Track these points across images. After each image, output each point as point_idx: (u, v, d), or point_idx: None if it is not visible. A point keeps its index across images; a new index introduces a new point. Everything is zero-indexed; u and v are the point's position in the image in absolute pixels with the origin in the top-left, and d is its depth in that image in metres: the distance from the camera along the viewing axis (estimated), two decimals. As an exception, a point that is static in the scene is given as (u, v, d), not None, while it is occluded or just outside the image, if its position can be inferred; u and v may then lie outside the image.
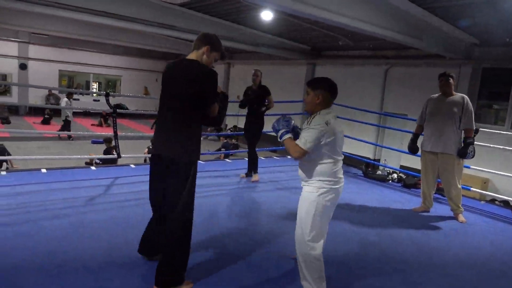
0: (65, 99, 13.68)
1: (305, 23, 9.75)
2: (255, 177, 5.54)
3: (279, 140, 2.52)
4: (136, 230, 3.00)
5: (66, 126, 13.13)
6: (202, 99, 2.46)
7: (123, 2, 8.55)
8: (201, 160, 6.76)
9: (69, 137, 12.78)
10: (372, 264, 3.18)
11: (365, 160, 7.44)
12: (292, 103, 11.21)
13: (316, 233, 2.44)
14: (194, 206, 2.57)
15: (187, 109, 2.45)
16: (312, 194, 2.46)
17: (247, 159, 5.96)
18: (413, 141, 4.73)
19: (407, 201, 5.14)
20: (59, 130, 12.73)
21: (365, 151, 10.88)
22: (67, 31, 12.74)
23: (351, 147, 8.12)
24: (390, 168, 6.64)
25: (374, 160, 10.97)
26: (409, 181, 5.79)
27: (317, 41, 12.05)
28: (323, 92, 2.50)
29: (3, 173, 4.86)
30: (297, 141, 2.41)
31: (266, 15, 9.00)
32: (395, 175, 6.17)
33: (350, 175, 6.47)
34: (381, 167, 7.07)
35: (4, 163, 7.01)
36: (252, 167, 5.61)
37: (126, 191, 4.58)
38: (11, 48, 16.86)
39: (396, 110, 10.58)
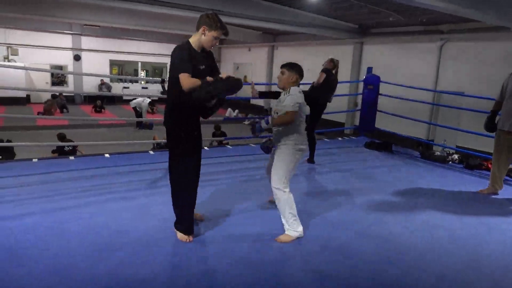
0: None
1: (353, 0, 9.38)
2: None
3: (268, 126, 3.13)
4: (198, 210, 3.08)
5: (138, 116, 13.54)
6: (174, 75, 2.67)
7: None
8: (251, 144, 6.83)
9: (137, 125, 13.15)
10: (441, 248, 3.06)
11: (421, 140, 7.12)
12: (339, 83, 10.94)
13: (287, 179, 3.07)
14: (192, 169, 2.88)
15: (169, 86, 2.82)
16: (288, 148, 3.07)
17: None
18: (491, 119, 4.41)
19: (472, 182, 4.88)
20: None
21: (418, 132, 10.41)
22: (116, 21, 13.16)
23: (403, 128, 7.80)
24: (450, 148, 6.29)
25: (428, 140, 10.48)
26: (472, 161, 5.47)
27: (365, 19, 11.57)
28: (297, 75, 3.16)
29: (71, 158, 5.18)
30: (285, 109, 3.01)
31: (313, -6, 8.76)
32: (455, 156, 5.86)
33: (407, 157, 6.24)
34: (439, 148, 6.70)
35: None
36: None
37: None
38: (66, 40, 17.78)
39: (452, 88, 9.98)
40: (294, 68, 3.17)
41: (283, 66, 3.21)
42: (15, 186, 3.95)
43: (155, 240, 2.90)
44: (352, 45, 13.27)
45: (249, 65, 19.79)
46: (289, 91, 3.09)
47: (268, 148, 3.37)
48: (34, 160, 4.91)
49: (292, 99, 3.03)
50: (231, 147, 6.49)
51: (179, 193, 2.91)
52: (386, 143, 6.55)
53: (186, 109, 2.80)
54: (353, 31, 12.59)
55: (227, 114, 15.91)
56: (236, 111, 16.06)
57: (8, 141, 7.35)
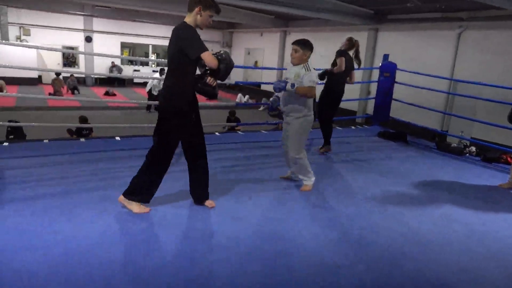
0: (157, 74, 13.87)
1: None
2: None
3: (290, 89, 3.45)
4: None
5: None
6: (184, 54, 2.68)
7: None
8: (264, 130, 6.74)
9: (147, 108, 13.04)
10: (460, 243, 2.97)
11: (437, 131, 6.95)
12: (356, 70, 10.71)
13: (303, 147, 3.68)
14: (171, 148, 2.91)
15: (172, 66, 2.82)
16: (299, 121, 3.57)
17: None
18: None
19: (491, 176, 4.74)
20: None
21: (432, 122, 10.20)
22: (128, 3, 13.00)
23: (415, 117, 7.61)
24: (467, 139, 6.13)
25: (443, 131, 10.28)
26: (490, 154, 5.32)
27: (381, 4, 11.24)
28: (310, 51, 3.57)
29: (82, 140, 5.16)
30: (307, 84, 3.45)
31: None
32: (473, 148, 5.71)
33: (422, 148, 6.10)
34: (455, 139, 6.53)
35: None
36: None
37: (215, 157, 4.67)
38: (77, 22, 17.70)
39: (469, 77, 9.71)
40: (307, 45, 3.53)
41: (296, 43, 3.54)
42: (26, 167, 3.93)
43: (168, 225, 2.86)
44: (367, 32, 12.97)
45: (260, 50, 19.53)
46: (308, 68, 3.49)
47: (275, 109, 3.84)
48: (45, 141, 4.89)
49: (311, 76, 3.46)
50: (242, 133, 6.40)
51: (153, 165, 2.92)
52: (401, 133, 6.40)
53: (189, 90, 2.85)
54: (368, 17, 12.27)
55: (237, 100, 15.79)
56: (247, 96, 15.91)
57: (15, 122, 7.36)
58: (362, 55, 12.97)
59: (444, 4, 9.79)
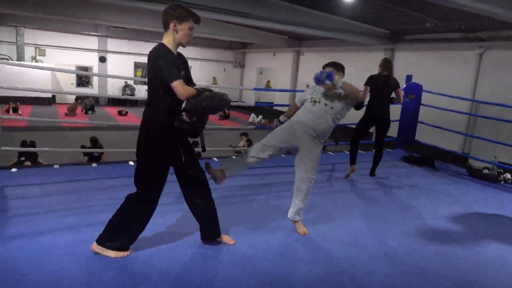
0: None
1: (387, 4, 8.92)
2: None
3: (334, 84, 3.03)
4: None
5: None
6: (160, 79, 2.35)
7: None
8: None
9: None
10: None
11: (467, 156, 6.57)
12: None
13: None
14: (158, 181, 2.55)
15: (149, 92, 2.49)
16: (320, 148, 3.21)
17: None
18: None
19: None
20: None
21: (452, 144, 9.80)
22: (142, 23, 13.07)
23: (436, 140, 7.26)
24: (502, 166, 5.70)
25: (465, 153, 9.85)
26: (529, 183, 4.93)
27: (398, 24, 11.06)
28: (342, 73, 3.39)
29: (94, 165, 4.92)
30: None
31: (348, -3, 8.36)
32: (508, 175, 5.33)
33: (451, 174, 5.72)
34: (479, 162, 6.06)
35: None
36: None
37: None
38: (92, 42, 17.90)
39: (492, 98, 9.34)
40: (339, 67, 3.37)
41: (329, 66, 3.34)
42: (34, 196, 3.68)
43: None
44: (383, 52, 12.75)
45: (273, 70, 19.46)
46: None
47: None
48: (55, 166, 4.66)
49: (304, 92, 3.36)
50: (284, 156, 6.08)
51: (134, 204, 2.56)
52: (427, 158, 6.05)
53: (168, 122, 2.42)
54: (384, 37, 12.09)
55: (250, 120, 15.60)
56: (260, 116, 15.70)
57: (32, 142, 7.22)
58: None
59: (463, 24, 9.56)
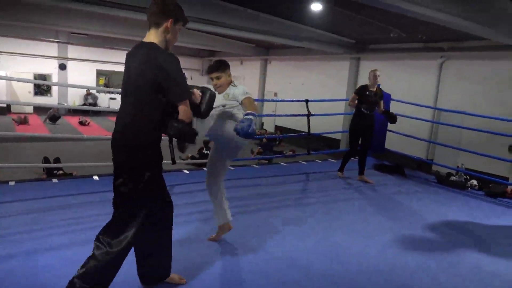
0: None
1: (352, 13, 9.10)
2: (366, 178, 5.47)
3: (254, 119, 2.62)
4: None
5: None
6: (161, 89, 2.00)
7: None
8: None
9: None
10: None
11: (438, 164, 6.75)
12: (334, 101, 10.59)
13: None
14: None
15: (135, 99, 2.07)
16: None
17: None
18: None
19: (502, 214, 4.48)
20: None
21: (416, 151, 10.11)
22: (105, 29, 12.60)
23: (401, 145, 7.44)
24: (467, 173, 5.88)
25: (428, 160, 10.18)
26: (495, 189, 5.10)
27: (363, 34, 11.34)
28: (229, 70, 2.94)
29: (55, 180, 4.58)
30: (242, 96, 2.80)
31: (315, 7, 8.44)
32: (474, 181, 5.49)
33: (421, 181, 5.83)
34: (459, 173, 6.24)
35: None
36: (363, 168, 5.48)
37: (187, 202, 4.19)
38: (51, 48, 17.09)
39: (452, 106, 9.74)
40: (226, 65, 2.96)
41: (217, 70, 2.88)
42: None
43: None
44: (348, 61, 13.03)
45: (240, 78, 19.41)
46: (236, 87, 2.91)
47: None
48: (10, 183, 4.28)
49: (241, 88, 2.91)
50: (258, 167, 5.97)
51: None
52: (398, 166, 6.15)
53: (158, 134, 2.11)
54: (349, 46, 12.35)
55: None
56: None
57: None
58: (345, 84, 13.00)
59: (425, 35, 9.94)
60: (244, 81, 18.95)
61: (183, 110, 2.01)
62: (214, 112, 2.78)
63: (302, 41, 11.54)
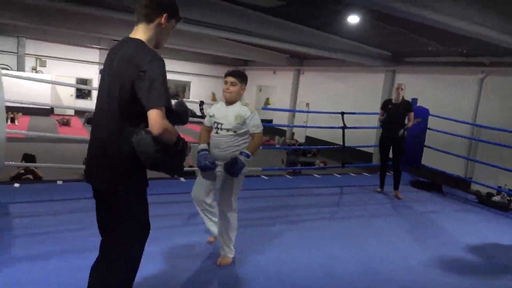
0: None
1: (391, 27, 9.02)
2: (399, 193, 5.39)
3: (247, 160, 2.71)
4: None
5: None
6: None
7: (200, 8, 8.41)
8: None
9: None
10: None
11: (480, 183, 6.53)
12: (367, 115, 10.45)
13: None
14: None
15: (121, 107, 1.72)
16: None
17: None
18: None
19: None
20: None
21: (454, 167, 9.79)
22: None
23: (438, 161, 7.24)
24: (494, 189, 5.66)
25: (466, 177, 9.83)
26: (540, 211, 4.88)
27: (400, 47, 11.18)
28: (245, 86, 2.88)
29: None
30: (254, 130, 2.81)
31: (352, 19, 8.44)
32: (517, 203, 5.27)
33: (460, 200, 5.66)
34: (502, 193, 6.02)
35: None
36: (397, 184, 5.43)
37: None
38: (93, 54, 17.90)
39: (493, 123, 9.39)
40: (246, 79, 2.91)
41: (235, 75, 2.83)
42: (39, 215, 3.55)
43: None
44: (384, 73, 12.87)
45: (272, 88, 19.54)
46: (246, 106, 2.84)
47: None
48: (58, 182, 4.53)
49: (258, 119, 2.84)
50: (266, 178, 6.01)
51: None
52: (435, 183, 6.00)
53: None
54: (385, 58, 12.21)
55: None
56: (283, 138, 15.64)
57: (32, 156, 7.07)
58: (379, 96, 12.81)
59: (465, 49, 9.68)
60: (276, 91, 19.07)
61: (153, 118, 1.60)
62: (220, 139, 2.78)
63: (337, 52, 11.52)
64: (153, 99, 1.61)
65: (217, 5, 8.55)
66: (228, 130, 2.79)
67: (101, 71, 1.88)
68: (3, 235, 3.04)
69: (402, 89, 5.18)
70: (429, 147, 6.66)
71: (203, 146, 2.87)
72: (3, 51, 16.12)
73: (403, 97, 5.22)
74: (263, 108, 14.99)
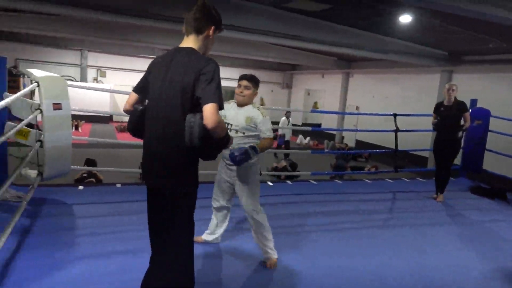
0: (283, 118, 13.05)
1: (447, 24, 8.57)
2: (441, 197, 5.20)
3: (254, 156, 2.73)
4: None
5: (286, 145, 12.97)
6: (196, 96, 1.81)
7: (249, 15, 8.54)
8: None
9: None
10: None
11: None
12: (421, 116, 9.95)
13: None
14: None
15: (179, 112, 1.84)
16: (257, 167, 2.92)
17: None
18: None
19: None
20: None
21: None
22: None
23: (500, 166, 6.69)
24: None
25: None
26: None
27: (457, 45, 10.58)
28: (257, 90, 2.95)
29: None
30: (264, 135, 2.83)
31: (405, 18, 8.15)
32: None
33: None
34: None
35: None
36: (441, 187, 5.22)
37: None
38: (147, 63, 18.76)
39: None
40: (258, 83, 2.96)
41: (249, 79, 2.91)
42: (101, 215, 3.81)
43: None
44: (439, 74, 12.25)
45: (321, 91, 19.34)
46: (258, 109, 2.88)
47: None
48: (117, 185, 4.82)
49: (268, 123, 2.88)
50: (315, 183, 5.95)
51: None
52: (499, 189, 5.59)
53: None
54: (441, 58, 11.61)
55: (298, 141, 15.47)
56: (308, 138, 15.54)
57: (93, 160, 7.56)
58: (434, 97, 12.19)
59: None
60: (325, 94, 18.84)
61: (208, 112, 1.74)
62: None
63: (388, 53, 11.16)
64: (209, 96, 1.77)
65: (265, 11, 8.65)
66: (237, 131, 2.85)
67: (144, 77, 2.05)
68: (68, 234, 3.29)
69: (453, 90, 4.92)
70: (490, 150, 6.23)
71: None
72: (68, 64, 17.49)
73: (455, 98, 4.95)
74: (312, 111, 14.83)
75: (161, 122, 1.87)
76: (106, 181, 6.35)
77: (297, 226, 3.91)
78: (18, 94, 2.89)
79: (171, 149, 1.85)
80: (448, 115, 4.95)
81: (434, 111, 5.20)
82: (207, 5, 1.94)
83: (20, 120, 3.32)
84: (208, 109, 1.74)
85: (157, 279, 1.95)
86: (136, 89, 2.06)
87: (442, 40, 10.28)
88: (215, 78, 1.80)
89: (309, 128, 15.98)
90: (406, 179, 6.49)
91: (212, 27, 1.94)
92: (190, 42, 1.94)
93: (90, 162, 7.44)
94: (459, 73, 11.81)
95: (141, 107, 2.00)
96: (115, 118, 18.06)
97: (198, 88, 1.79)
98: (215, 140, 1.83)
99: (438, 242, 3.79)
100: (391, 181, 6.23)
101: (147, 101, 2.00)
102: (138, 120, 2.00)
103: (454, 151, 5.11)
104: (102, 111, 14.75)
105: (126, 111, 2.07)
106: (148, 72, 2.02)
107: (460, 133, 4.92)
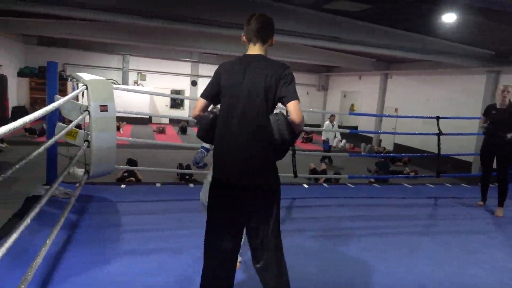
0: (327, 122, 12.87)
1: (494, 23, 8.15)
2: (501, 211, 4.75)
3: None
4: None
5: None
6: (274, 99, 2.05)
7: (290, 18, 8.55)
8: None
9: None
10: None
11: None
12: (466, 119, 9.53)
13: None
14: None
15: (263, 117, 2.03)
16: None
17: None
18: None
19: None
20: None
21: None
22: (232, 49, 13.72)
23: None
24: None
25: None
26: None
27: (506, 44, 10.03)
28: None
29: (191, 185, 5.13)
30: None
31: (448, 18, 7.83)
32: None
33: None
34: None
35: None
36: (500, 200, 4.78)
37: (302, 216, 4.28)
38: (185, 67, 19.34)
39: None
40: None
41: None
42: (143, 213, 3.95)
43: None
44: (485, 74, 11.66)
45: (357, 93, 18.97)
46: None
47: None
48: (157, 184, 4.98)
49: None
50: (352, 186, 5.85)
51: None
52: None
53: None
54: (487, 58, 11.05)
55: (334, 144, 15.22)
56: (344, 141, 15.28)
57: (134, 161, 7.85)
58: (480, 99, 11.59)
59: None
60: (362, 96, 18.46)
61: (294, 108, 1.97)
62: None
63: (430, 54, 10.78)
64: (292, 94, 2.00)
65: (305, 14, 8.62)
66: None
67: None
68: (111, 231, 3.44)
69: (508, 92, 4.58)
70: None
71: (207, 145, 2.91)
72: (111, 68, 18.28)
73: (510, 101, 4.63)
74: (350, 114, 14.63)
75: (248, 122, 2.01)
76: (145, 181, 6.58)
77: (333, 229, 3.85)
78: (69, 96, 3.08)
79: (264, 147, 2.02)
80: (500, 119, 4.60)
81: (484, 114, 4.86)
82: (270, 18, 2.15)
83: (69, 121, 3.51)
84: (294, 106, 1.97)
85: (279, 276, 2.08)
86: (207, 96, 2.15)
87: (488, 39, 9.79)
88: (293, 80, 2.04)
89: (347, 131, 15.75)
90: (448, 185, 6.23)
91: (273, 36, 2.18)
92: (257, 50, 2.14)
93: (131, 162, 7.74)
94: (508, 73, 11.18)
95: (211, 115, 2.13)
96: (153, 120, 18.64)
97: (280, 89, 2.00)
98: (297, 134, 2.04)
99: (483, 253, 3.59)
100: (432, 186, 6.00)
101: (211, 106, 2.17)
102: (209, 128, 2.13)
103: (507, 155, 4.69)
104: (142, 113, 15.23)
105: (195, 117, 2.18)
106: (218, 78, 2.13)
107: (510, 135, 4.57)
